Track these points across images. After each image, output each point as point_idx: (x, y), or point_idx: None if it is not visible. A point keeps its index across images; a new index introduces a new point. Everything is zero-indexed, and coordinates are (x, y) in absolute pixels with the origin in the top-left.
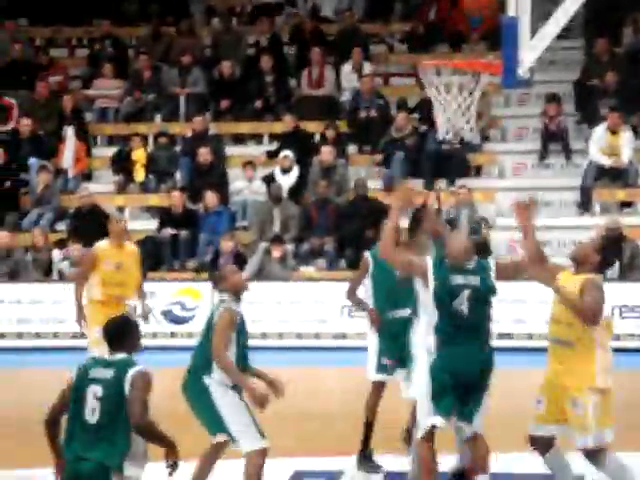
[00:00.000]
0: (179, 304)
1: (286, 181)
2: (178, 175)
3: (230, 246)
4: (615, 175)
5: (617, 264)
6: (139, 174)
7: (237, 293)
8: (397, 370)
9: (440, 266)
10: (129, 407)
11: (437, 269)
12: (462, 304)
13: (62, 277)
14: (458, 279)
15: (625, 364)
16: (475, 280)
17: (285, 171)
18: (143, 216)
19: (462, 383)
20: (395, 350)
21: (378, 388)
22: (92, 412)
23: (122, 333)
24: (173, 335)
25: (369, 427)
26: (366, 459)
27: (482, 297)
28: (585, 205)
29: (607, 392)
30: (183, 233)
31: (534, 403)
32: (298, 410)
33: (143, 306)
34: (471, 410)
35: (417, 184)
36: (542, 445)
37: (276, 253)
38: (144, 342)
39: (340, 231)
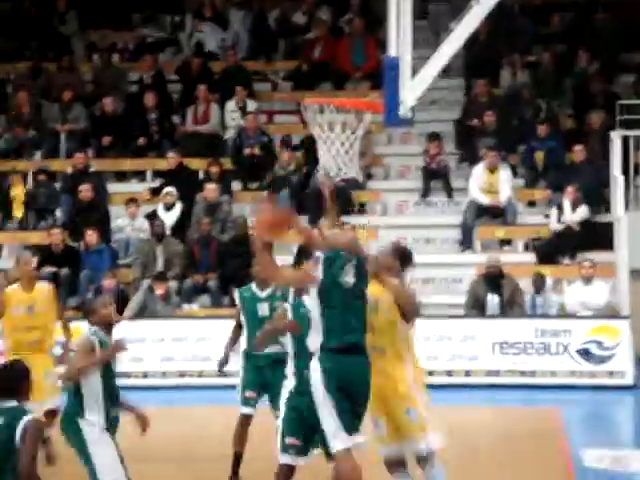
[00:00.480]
0: (59, 344)
1: (169, 218)
2: (58, 212)
3: (112, 284)
4: (495, 213)
5: (497, 301)
6: (18, 211)
7: (107, 326)
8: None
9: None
10: (19, 457)
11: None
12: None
13: None
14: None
15: (504, 400)
16: None
17: (168, 208)
18: (22, 254)
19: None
20: (257, 382)
21: (244, 421)
22: None
23: (12, 380)
24: None
25: (237, 460)
26: None
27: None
28: (466, 242)
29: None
30: (64, 271)
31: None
32: (180, 451)
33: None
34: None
35: (303, 220)
36: (396, 465)
37: (159, 290)
38: None
39: (224, 268)
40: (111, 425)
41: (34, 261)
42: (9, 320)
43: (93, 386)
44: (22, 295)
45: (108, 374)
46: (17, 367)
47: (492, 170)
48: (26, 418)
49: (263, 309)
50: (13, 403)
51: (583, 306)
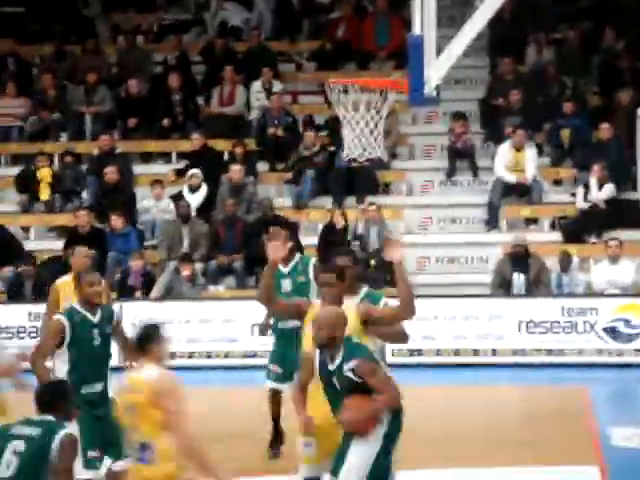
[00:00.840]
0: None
1: (194, 199)
2: (84, 194)
3: (139, 265)
4: (520, 192)
5: (523, 280)
6: (44, 193)
7: (90, 305)
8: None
9: None
10: (54, 475)
11: None
12: None
13: None
14: None
15: (530, 379)
16: None
17: (193, 189)
18: (49, 236)
19: None
20: (286, 359)
21: (273, 396)
22: (7, 466)
23: (53, 396)
24: None
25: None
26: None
27: None
28: (492, 222)
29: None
30: (91, 252)
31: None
32: (206, 431)
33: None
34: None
35: (327, 202)
36: None
37: (185, 272)
38: None
39: (249, 249)
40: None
41: (89, 254)
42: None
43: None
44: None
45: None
46: (59, 385)
47: (518, 149)
48: (63, 432)
49: (285, 285)
50: (51, 417)
51: (610, 285)
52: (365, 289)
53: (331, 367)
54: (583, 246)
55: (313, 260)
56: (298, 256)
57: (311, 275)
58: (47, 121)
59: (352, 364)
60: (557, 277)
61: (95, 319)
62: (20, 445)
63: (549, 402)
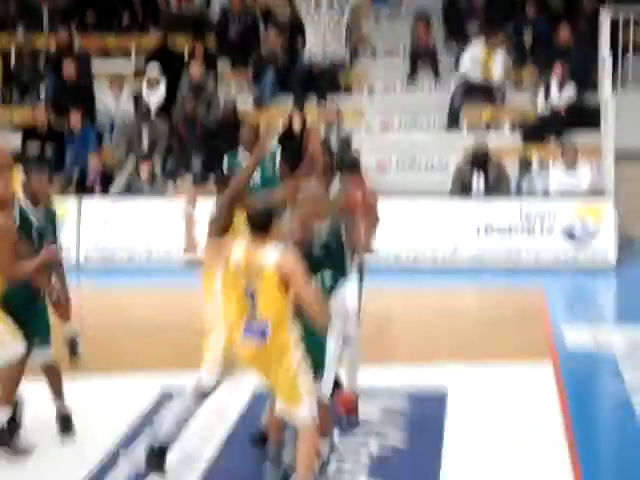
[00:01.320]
0: None
1: (154, 98)
2: (42, 91)
3: (97, 164)
4: (483, 94)
5: (483, 183)
6: None
7: (34, 201)
8: None
9: None
10: None
11: None
12: None
13: None
14: None
15: (488, 283)
16: None
17: (152, 88)
18: (6, 132)
19: None
20: None
21: None
22: None
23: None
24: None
25: None
26: None
27: None
28: (453, 124)
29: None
30: (49, 150)
31: None
32: (178, 325)
33: None
34: None
35: (287, 99)
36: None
37: (144, 171)
38: None
39: (208, 149)
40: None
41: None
42: None
43: None
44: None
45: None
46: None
47: (485, 50)
48: None
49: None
50: None
51: (568, 187)
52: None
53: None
54: (542, 149)
55: (279, 156)
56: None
57: (277, 171)
58: (2, 12)
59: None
60: (516, 180)
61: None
62: None
63: (506, 304)
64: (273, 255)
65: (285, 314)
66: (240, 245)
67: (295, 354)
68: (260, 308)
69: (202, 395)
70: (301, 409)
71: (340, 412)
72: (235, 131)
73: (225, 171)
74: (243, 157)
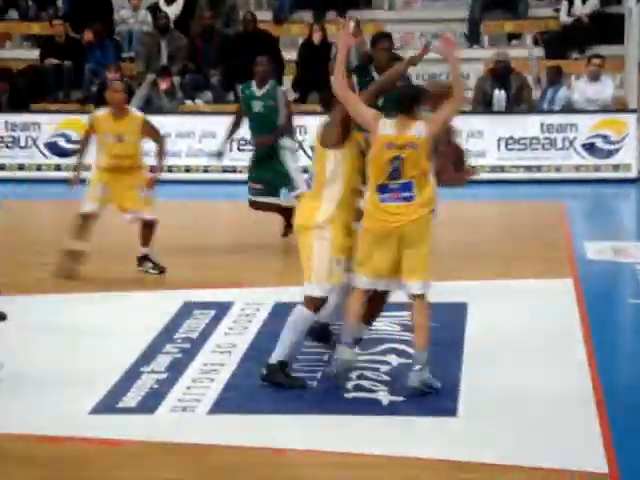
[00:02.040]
0: (63, 136)
1: (171, 11)
2: (60, 2)
3: (116, 77)
4: (503, 6)
5: (504, 97)
6: None
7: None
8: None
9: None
10: None
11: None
12: None
13: None
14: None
15: (509, 195)
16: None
17: (169, 1)
18: (24, 45)
19: None
20: (262, 174)
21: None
22: None
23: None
24: (58, 168)
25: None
26: None
27: None
28: (474, 37)
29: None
30: (67, 63)
31: None
32: (193, 243)
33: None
34: None
35: (306, 16)
36: None
37: (163, 85)
38: (29, 175)
39: (227, 63)
40: None
41: (124, 88)
42: (100, 146)
43: None
44: (111, 123)
45: None
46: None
47: None
48: None
49: (256, 106)
50: None
51: (589, 102)
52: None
53: None
54: (565, 62)
55: (283, 88)
56: (271, 82)
57: (280, 101)
58: None
59: None
60: (542, 92)
61: None
62: None
63: (526, 218)
64: (421, 128)
65: (427, 177)
66: (387, 123)
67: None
68: (406, 172)
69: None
70: (420, 283)
71: None
72: (254, 46)
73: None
74: (254, 89)
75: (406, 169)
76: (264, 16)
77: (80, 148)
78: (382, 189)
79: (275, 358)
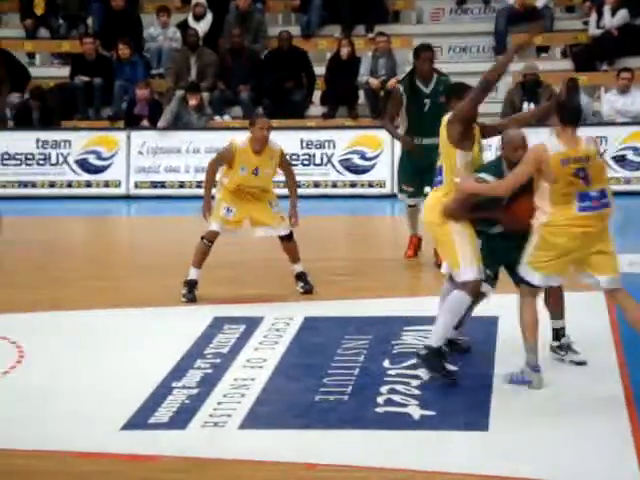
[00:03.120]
0: (94, 153)
1: (200, 27)
2: (90, 20)
3: (145, 94)
4: (529, 19)
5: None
6: (39, 7)
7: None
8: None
9: None
10: None
11: None
12: None
13: None
14: None
15: None
16: None
17: (198, 18)
18: (54, 62)
19: None
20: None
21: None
22: None
23: None
24: (88, 184)
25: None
26: None
27: None
28: (501, 50)
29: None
30: (97, 80)
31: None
32: (222, 258)
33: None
34: None
35: (335, 30)
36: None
37: (192, 101)
38: (59, 192)
39: (258, 80)
40: None
41: (269, 126)
42: (233, 175)
43: None
44: (250, 157)
45: None
46: None
47: None
48: None
49: (426, 104)
50: None
51: (619, 114)
52: None
53: None
54: (594, 74)
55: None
56: (436, 76)
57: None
58: None
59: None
60: None
61: None
62: None
63: None
64: (589, 143)
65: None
66: (554, 140)
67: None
68: (593, 182)
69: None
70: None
71: None
72: (286, 62)
73: None
74: None
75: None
76: (292, 31)
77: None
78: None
79: (436, 342)
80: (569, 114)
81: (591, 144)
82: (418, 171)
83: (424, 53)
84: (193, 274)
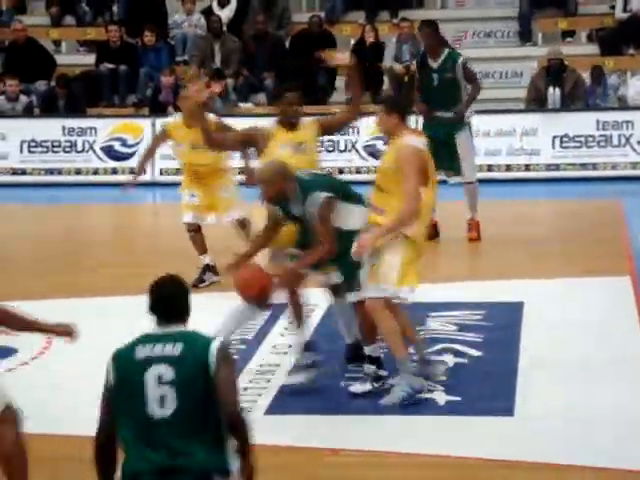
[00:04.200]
0: (119, 140)
1: (225, 14)
2: (115, 8)
3: (170, 81)
4: (554, 3)
5: (559, 94)
6: None
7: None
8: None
9: None
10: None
11: None
12: None
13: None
14: None
15: (565, 193)
16: None
17: (223, 4)
18: (80, 50)
19: None
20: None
21: None
22: (160, 403)
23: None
24: (114, 171)
25: None
26: None
27: None
28: (525, 35)
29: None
30: (122, 68)
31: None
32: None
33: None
34: None
35: (359, 16)
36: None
37: (217, 88)
38: (85, 179)
39: (280, 65)
40: None
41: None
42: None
43: None
44: (185, 132)
45: None
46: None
47: None
48: (214, 343)
49: (434, 80)
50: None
51: None
52: None
53: (296, 212)
54: (620, 58)
55: (462, 58)
56: (447, 51)
57: (459, 73)
58: None
59: (314, 207)
60: (589, 90)
61: None
62: (167, 372)
63: (583, 216)
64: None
65: None
66: (412, 137)
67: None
68: None
69: None
70: None
71: None
72: (311, 46)
73: None
74: None
75: None
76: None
77: None
78: None
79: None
80: (407, 106)
81: None
82: (437, 146)
83: (423, 29)
84: (204, 260)
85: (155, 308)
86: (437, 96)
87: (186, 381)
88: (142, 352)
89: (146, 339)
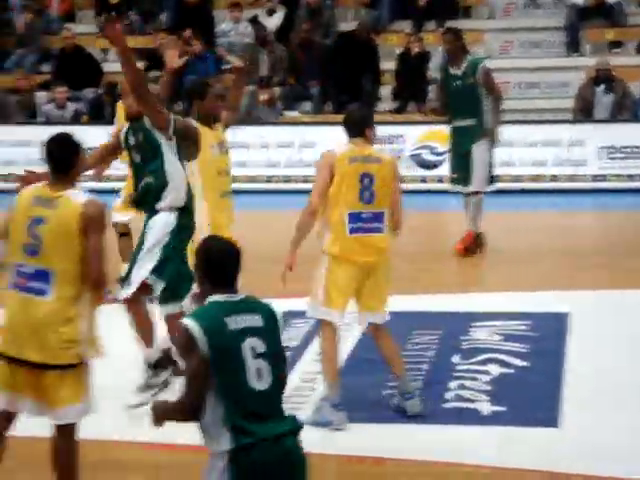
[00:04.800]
0: None
1: (272, 23)
2: (163, 16)
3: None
4: (602, 14)
5: (606, 105)
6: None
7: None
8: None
9: None
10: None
11: None
12: None
13: (48, 120)
14: None
15: (611, 204)
16: None
17: (270, 13)
18: None
19: None
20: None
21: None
22: (258, 375)
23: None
24: None
25: None
26: None
27: None
28: (573, 45)
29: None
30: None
31: None
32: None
33: None
34: None
35: (405, 26)
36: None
37: (264, 96)
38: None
39: (326, 74)
40: None
41: None
42: None
43: None
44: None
45: None
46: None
47: None
48: (276, 310)
49: (457, 85)
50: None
51: None
52: None
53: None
54: None
55: (484, 63)
56: (469, 58)
57: (480, 80)
58: None
59: None
60: (639, 101)
61: None
62: (257, 343)
63: (629, 227)
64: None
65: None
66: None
67: None
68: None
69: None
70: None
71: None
72: (355, 54)
73: None
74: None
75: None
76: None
77: None
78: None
79: None
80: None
81: None
82: (456, 156)
83: (444, 36)
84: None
85: (219, 273)
86: (458, 103)
87: (275, 354)
88: (233, 323)
89: (226, 308)
